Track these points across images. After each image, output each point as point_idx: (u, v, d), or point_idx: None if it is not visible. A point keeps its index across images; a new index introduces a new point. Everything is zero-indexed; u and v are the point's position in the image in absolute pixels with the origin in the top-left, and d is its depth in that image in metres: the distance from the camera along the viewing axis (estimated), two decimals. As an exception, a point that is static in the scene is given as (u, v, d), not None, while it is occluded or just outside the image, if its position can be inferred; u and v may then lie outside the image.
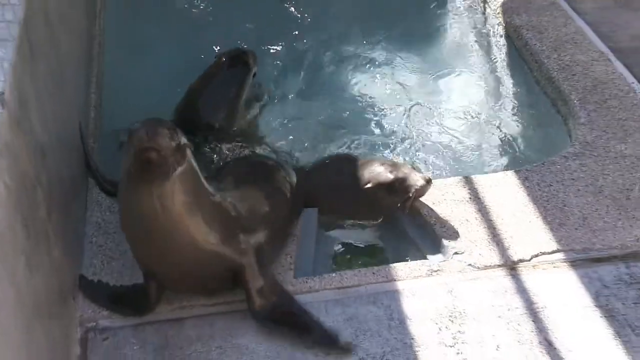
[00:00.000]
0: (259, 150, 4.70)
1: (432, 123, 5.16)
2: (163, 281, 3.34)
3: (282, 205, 3.79)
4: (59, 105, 3.67)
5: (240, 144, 4.64)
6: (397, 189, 3.95)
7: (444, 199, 4.01)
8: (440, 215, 3.90)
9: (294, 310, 3.32)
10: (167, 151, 2.83)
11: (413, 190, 3.91)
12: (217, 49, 5.52)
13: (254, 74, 5.10)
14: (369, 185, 4.00)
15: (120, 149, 4.52)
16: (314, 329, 3.24)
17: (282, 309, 3.30)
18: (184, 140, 2.95)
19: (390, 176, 3.98)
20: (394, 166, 4.06)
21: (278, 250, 3.65)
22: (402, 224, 4.00)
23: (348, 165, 4.23)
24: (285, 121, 5.18)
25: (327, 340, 3.20)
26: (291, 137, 4.98)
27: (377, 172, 4.03)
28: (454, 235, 3.77)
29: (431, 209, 3.94)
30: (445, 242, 3.73)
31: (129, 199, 3.03)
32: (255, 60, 5.15)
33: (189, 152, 2.99)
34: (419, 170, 4.27)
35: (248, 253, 3.30)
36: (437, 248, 3.77)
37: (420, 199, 3.99)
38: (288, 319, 3.27)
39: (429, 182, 3.94)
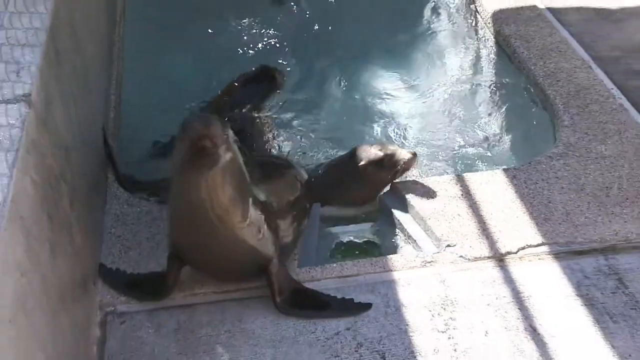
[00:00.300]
0: (273, 151, 4.70)
1: (427, 125, 5.17)
2: (195, 267, 3.34)
3: (300, 203, 3.79)
4: (82, 106, 3.67)
5: (255, 145, 4.64)
6: (387, 164, 4.10)
7: (438, 195, 4.00)
8: (434, 211, 3.89)
9: (309, 294, 3.36)
10: (220, 140, 2.79)
11: (401, 163, 4.07)
12: (224, 51, 5.53)
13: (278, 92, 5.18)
14: (362, 163, 4.11)
15: (151, 156, 4.57)
16: (332, 302, 3.32)
17: (300, 296, 3.34)
18: (232, 134, 2.92)
19: (380, 153, 4.13)
20: (382, 145, 4.25)
21: (294, 246, 3.65)
22: (396, 218, 4.00)
23: (340, 159, 4.36)
24: (293, 123, 5.19)
25: (347, 306, 3.30)
26: (298, 139, 5.00)
27: (367, 151, 4.18)
28: (446, 229, 3.76)
29: (426, 205, 3.93)
30: (438, 235, 3.72)
31: (178, 188, 2.98)
32: (284, 78, 5.20)
33: (236, 146, 2.94)
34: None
35: (276, 250, 3.31)
36: (430, 240, 3.77)
37: (416, 193, 4.01)
38: (308, 303, 3.32)
39: (414, 155, 4.12)
